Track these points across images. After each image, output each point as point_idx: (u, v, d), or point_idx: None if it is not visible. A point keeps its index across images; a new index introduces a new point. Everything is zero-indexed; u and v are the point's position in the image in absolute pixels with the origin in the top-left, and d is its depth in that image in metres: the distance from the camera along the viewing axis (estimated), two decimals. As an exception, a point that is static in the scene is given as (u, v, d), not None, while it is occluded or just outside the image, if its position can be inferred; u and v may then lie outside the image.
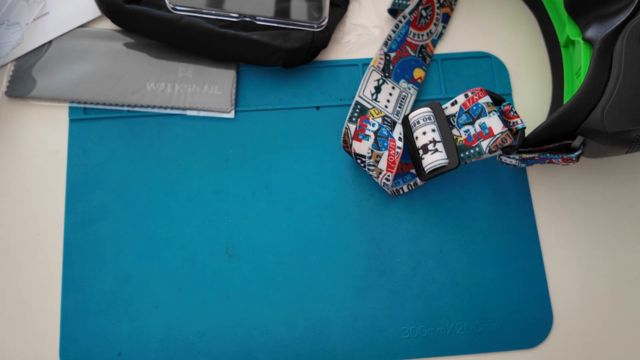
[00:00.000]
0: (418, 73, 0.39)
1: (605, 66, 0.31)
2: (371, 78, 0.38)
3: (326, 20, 0.38)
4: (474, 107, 0.33)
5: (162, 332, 0.33)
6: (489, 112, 0.32)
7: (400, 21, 0.39)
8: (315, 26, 0.38)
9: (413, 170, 0.36)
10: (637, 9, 0.31)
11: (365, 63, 0.39)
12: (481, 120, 0.32)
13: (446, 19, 0.41)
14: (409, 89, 0.38)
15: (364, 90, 0.37)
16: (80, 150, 0.37)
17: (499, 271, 0.35)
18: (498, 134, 0.32)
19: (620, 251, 0.36)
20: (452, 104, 0.34)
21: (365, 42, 0.40)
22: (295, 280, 0.34)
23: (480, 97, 0.33)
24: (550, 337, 0.34)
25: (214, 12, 0.38)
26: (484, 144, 0.32)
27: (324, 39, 0.38)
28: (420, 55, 0.39)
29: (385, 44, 0.38)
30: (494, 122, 0.32)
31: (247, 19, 0.38)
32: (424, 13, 0.39)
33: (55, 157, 0.37)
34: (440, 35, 0.40)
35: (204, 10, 0.38)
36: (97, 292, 0.34)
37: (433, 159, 0.33)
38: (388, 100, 0.38)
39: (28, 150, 0.37)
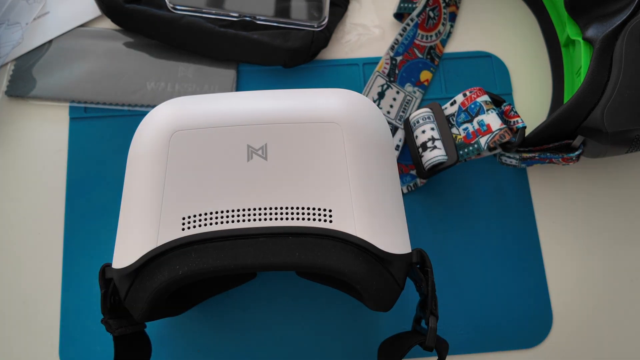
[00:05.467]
0: (425, 75, 0.39)
1: (605, 66, 0.31)
2: (375, 84, 0.38)
3: (326, 20, 0.38)
4: (472, 106, 0.33)
5: (161, 330, 0.33)
6: (487, 110, 0.32)
7: (408, 24, 0.39)
8: (316, 26, 0.38)
9: (413, 172, 0.36)
10: (637, 8, 0.31)
11: (366, 62, 0.39)
12: (479, 117, 0.32)
13: (453, 17, 0.41)
14: (414, 92, 0.38)
15: (366, 96, 0.37)
16: (80, 149, 0.37)
17: (499, 271, 0.35)
18: (496, 131, 0.32)
19: (620, 251, 0.36)
20: (452, 104, 0.34)
21: (365, 42, 0.40)
22: (295, 278, 0.34)
23: (478, 96, 0.33)
24: (550, 337, 0.34)
25: (214, 11, 0.38)
26: (483, 141, 0.32)
27: (324, 38, 0.38)
28: (429, 56, 0.39)
29: (392, 48, 0.38)
30: (492, 120, 0.32)
31: (248, 18, 0.38)
32: (431, 14, 0.39)
33: (55, 156, 0.37)
34: (449, 34, 0.40)
35: (204, 10, 0.38)
36: (97, 292, 0.34)
37: (432, 155, 0.33)
38: (391, 106, 0.38)
39: (28, 150, 0.37)
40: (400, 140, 0.37)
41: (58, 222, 0.35)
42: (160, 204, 0.25)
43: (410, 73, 0.39)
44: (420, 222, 0.36)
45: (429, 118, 0.34)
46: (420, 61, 0.39)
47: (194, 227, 0.25)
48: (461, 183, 0.37)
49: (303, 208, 0.25)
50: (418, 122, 0.34)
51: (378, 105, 0.37)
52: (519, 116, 0.32)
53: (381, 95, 0.38)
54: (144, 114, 0.38)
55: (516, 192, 0.37)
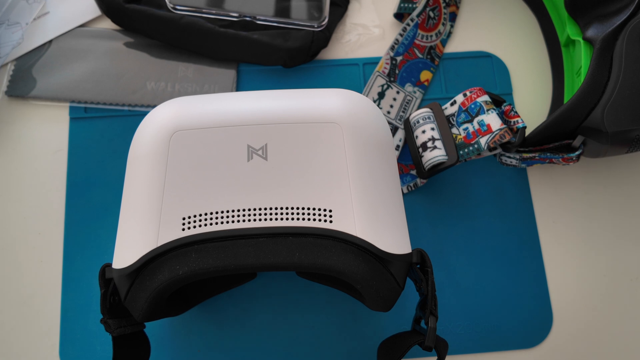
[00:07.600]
0: (425, 75, 0.39)
1: (605, 66, 0.31)
2: (375, 84, 0.38)
3: (326, 20, 0.38)
4: (472, 106, 0.33)
5: (161, 330, 0.33)
6: (487, 110, 0.32)
7: (408, 24, 0.39)
8: (316, 26, 0.38)
9: (413, 172, 0.36)
10: (637, 8, 0.31)
11: (366, 62, 0.39)
12: (479, 117, 0.33)
13: (453, 17, 0.41)
14: (415, 92, 0.38)
15: (366, 96, 0.37)
16: (80, 149, 0.37)
17: (499, 271, 0.35)
18: (496, 131, 0.32)
19: (620, 251, 0.36)
20: (452, 104, 0.34)
21: (365, 42, 0.40)
22: (295, 278, 0.34)
23: (478, 96, 0.33)
24: (550, 337, 0.34)
25: (214, 11, 0.38)
26: (483, 141, 0.32)
27: (324, 38, 0.38)
28: (429, 56, 0.39)
29: (392, 48, 0.38)
30: (492, 120, 0.32)
31: (248, 18, 0.38)
32: (431, 14, 0.39)
33: (55, 156, 0.37)
34: (449, 34, 0.40)
35: (204, 10, 0.38)
36: (97, 292, 0.34)
37: (432, 155, 0.33)
38: (391, 106, 0.38)
39: (28, 150, 0.37)
40: (400, 140, 0.37)
41: (58, 222, 0.35)
42: (160, 204, 0.25)
43: (411, 73, 0.39)
44: (420, 222, 0.36)
45: (429, 118, 0.34)
46: (421, 61, 0.39)
47: (194, 227, 0.25)
48: (461, 183, 0.37)
49: (303, 208, 0.25)
50: (418, 122, 0.34)
51: (378, 105, 0.37)
52: (519, 116, 0.32)
53: (381, 95, 0.38)
54: (144, 114, 0.38)
55: (516, 192, 0.37)
